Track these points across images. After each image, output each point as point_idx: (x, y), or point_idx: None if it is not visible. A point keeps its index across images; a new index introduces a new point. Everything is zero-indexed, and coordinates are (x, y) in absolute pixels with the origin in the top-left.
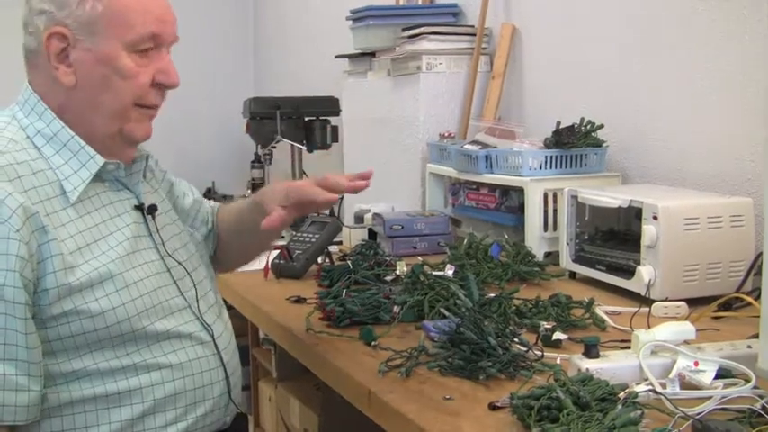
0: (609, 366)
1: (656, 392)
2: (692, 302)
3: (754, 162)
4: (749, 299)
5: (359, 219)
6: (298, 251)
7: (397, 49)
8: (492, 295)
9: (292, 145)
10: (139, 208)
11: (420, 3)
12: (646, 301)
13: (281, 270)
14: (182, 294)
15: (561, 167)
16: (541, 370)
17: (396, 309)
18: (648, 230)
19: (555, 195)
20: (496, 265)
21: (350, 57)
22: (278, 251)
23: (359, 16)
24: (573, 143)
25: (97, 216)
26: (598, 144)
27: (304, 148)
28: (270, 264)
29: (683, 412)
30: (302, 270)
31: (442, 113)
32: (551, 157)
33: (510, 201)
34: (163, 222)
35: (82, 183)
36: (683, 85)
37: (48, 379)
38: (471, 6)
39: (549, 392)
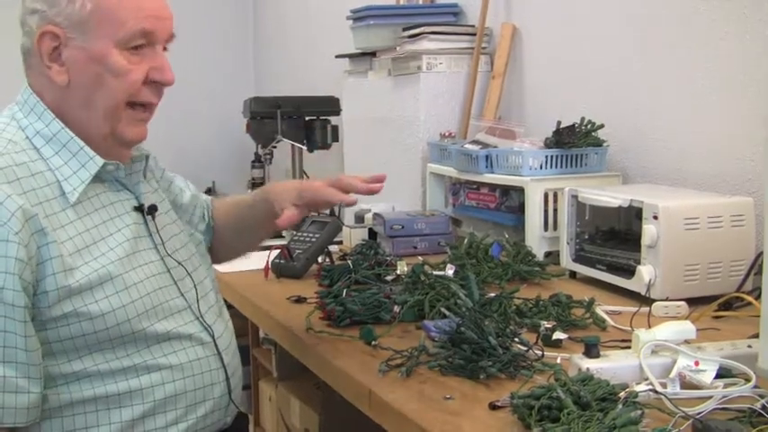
0: (609, 366)
1: (656, 392)
2: (693, 302)
3: (754, 162)
4: (749, 298)
5: (359, 218)
6: (298, 251)
7: (397, 48)
8: (492, 295)
9: (293, 145)
10: (139, 209)
11: (420, 2)
12: (646, 300)
13: (282, 270)
14: (182, 295)
15: (561, 167)
16: (542, 370)
17: (396, 308)
18: (649, 230)
19: (555, 195)
20: (497, 265)
21: (350, 56)
22: (278, 251)
23: (359, 16)
24: (573, 143)
25: (97, 217)
26: (598, 144)
27: (304, 147)
28: (270, 263)
29: (683, 412)
30: (303, 270)
31: (443, 113)
32: (552, 156)
33: (510, 200)
34: (163, 222)
35: (81, 184)
36: (683, 85)
37: (48, 380)
38: (471, 6)
39: (550, 392)
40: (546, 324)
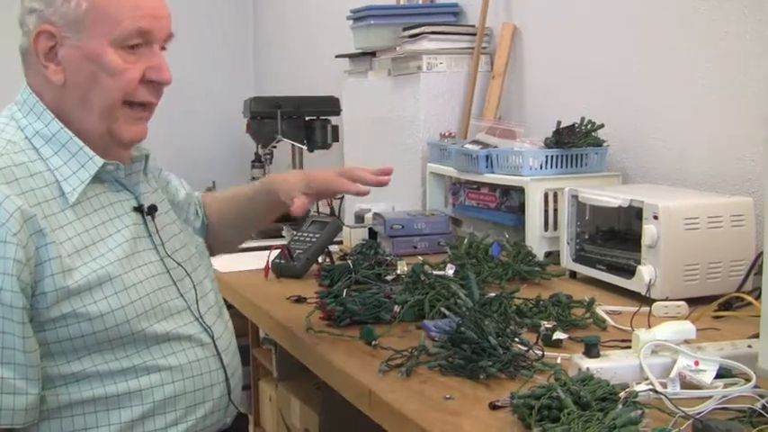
0: (609, 366)
1: (656, 392)
2: (693, 302)
3: (754, 162)
4: (749, 298)
5: (359, 218)
6: (298, 251)
7: (397, 48)
8: (492, 295)
9: (293, 144)
10: (139, 209)
11: (420, 2)
12: (646, 300)
13: (282, 270)
14: (181, 296)
15: (561, 167)
16: (542, 369)
17: (396, 308)
18: (649, 230)
19: (555, 195)
20: (497, 265)
21: (350, 56)
22: (278, 251)
23: (359, 16)
24: (573, 143)
25: (96, 218)
26: (598, 144)
27: (304, 147)
28: (270, 263)
29: (683, 412)
30: (303, 270)
31: (443, 113)
32: (552, 156)
33: (510, 200)
34: (163, 223)
35: (81, 184)
36: (683, 85)
37: (47, 381)
38: (472, 6)
39: (550, 392)
40: (546, 324)
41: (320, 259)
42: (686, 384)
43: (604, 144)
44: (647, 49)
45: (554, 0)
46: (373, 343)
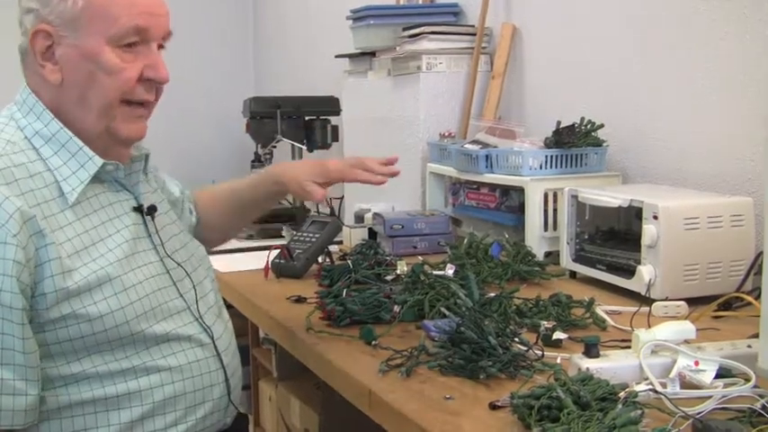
0: (609, 366)
1: (656, 392)
2: (693, 302)
3: (754, 162)
4: (749, 298)
5: (359, 218)
6: (298, 251)
7: (397, 48)
8: (492, 295)
9: (293, 144)
10: (138, 209)
11: (420, 2)
12: (646, 300)
13: (282, 269)
14: (181, 296)
15: (561, 167)
16: (542, 369)
17: (396, 308)
18: (649, 230)
19: (555, 195)
20: (497, 265)
21: (350, 56)
22: (278, 251)
23: (359, 16)
24: (573, 143)
25: (96, 218)
26: (598, 144)
27: (304, 147)
28: (270, 263)
29: (683, 412)
30: (302, 270)
31: (443, 113)
32: (551, 156)
33: (510, 200)
34: (162, 223)
35: (81, 184)
36: (683, 85)
37: (47, 382)
38: (471, 6)
39: (550, 392)
40: (546, 324)
41: (320, 259)
42: (686, 384)
43: (604, 144)
44: (647, 49)
45: (554, 0)
46: (373, 343)
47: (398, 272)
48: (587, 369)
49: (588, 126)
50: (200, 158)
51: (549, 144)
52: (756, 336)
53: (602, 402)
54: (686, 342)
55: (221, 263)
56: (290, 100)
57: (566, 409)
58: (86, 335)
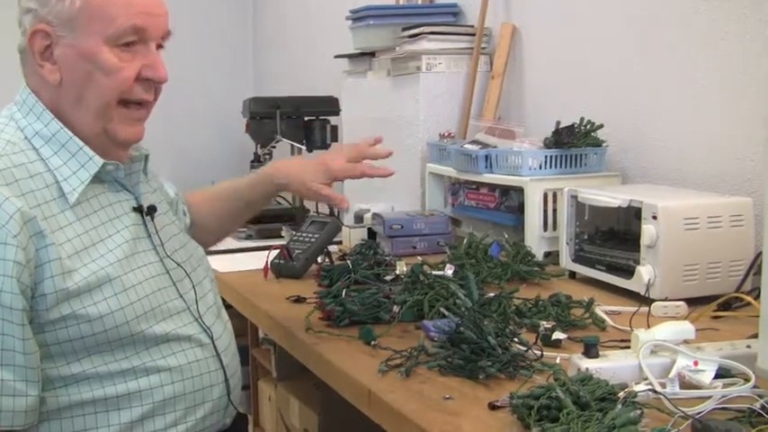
0: (608, 366)
1: (655, 392)
2: (692, 302)
3: (754, 162)
4: (749, 298)
5: (358, 218)
6: (297, 251)
7: (396, 48)
8: (492, 295)
9: (292, 145)
10: (138, 209)
11: (420, 2)
12: (645, 300)
13: (281, 270)
14: (181, 296)
15: (561, 167)
16: (541, 370)
17: (395, 308)
18: (648, 230)
19: (555, 195)
20: (496, 265)
21: (350, 56)
22: (278, 251)
23: (359, 16)
24: (573, 143)
25: (96, 218)
26: (598, 144)
27: (304, 147)
28: (270, 263)
29: (682, 412)
30: (302, 270)
31: (442, 113)
32: (551, 156)
33: (510, 200)
34: (162, 223)
35: (81, 184)
36: (683, 85)
37: (47, 383)
38: (471, 6)
39: (549, 392)
40: (545, 324)
41: (319, 259)
42: (685, 384)
43: (604, 144)
44: (647, 49)
45: (554, 0)
46: (372, 343)
47: (398, 272)
48: (587, 369)
49: (588, 126)
50: (199, 159)
51: (548, 144)
52: (756, 336)
53: (602, 402)
54: (685, 342)
55: (221, 263)
56: (290, 100)
57: (565, 409)
58: (86, 335)
